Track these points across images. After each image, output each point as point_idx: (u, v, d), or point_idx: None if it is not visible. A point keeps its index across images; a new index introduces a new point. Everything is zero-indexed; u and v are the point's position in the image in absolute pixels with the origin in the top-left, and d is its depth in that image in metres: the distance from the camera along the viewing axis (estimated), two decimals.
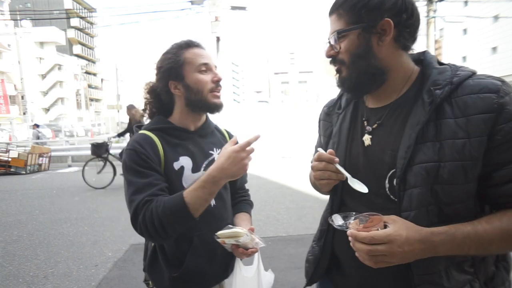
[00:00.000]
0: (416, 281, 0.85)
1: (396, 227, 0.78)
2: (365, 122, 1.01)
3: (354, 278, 1.01)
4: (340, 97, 1.14)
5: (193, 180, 1.21)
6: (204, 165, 1.29)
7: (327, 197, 1.13)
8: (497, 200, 0.84)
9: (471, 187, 0.82)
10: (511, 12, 24.57)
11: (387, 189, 0.91)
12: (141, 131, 1.28)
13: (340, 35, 0.92)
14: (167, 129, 1.29)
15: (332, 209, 1.07)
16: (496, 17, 27.54)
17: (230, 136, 1.48)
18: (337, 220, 0.90)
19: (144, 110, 1.37)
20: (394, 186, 0.88)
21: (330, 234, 1.08)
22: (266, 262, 1.27)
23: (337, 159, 0.97)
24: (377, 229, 0.78)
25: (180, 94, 1.28)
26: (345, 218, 0.90)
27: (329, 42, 0.96)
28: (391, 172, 0.90)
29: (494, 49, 29.75)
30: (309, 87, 78.40)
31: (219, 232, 1.16)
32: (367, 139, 0.98)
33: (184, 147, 1.28)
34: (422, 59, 0.97)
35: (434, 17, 14.14)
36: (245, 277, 1.22)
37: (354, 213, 0.89)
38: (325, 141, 1.15)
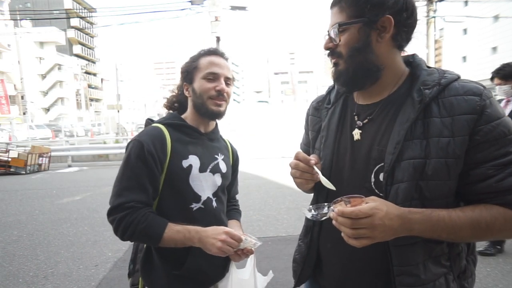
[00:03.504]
0: (396, 272, 0.89)
1: (378, 202, 0.82)
2: (355, 117, 1.03)
3: (339, 278, 1.03)
4: (329, 92, 1.16)
5: (199, 180, 1.28)
6: (210, 167, 1.34)
7: None
8: (473, 197, 0.88)
9: (452, 185, 0.87)
10: (511, 12, 24.58)
11: (372, 183, 0.93)
12: (154, 124, 1.33)
13: (341, 28, 0.93)
14: (180, 126, 1.34)
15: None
16: (496, 17, 27.55)
17: (232, 147, 1.54)
18: (308, 213, 0.92)
19: (167, 99, 1.46)
20: (380, 181, 0.91)
21: (316, 229, 1.09)
22: (266, 262, 1.27)
23: (312, 161, 0.99)
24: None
25: (189, 96, 1.37)
26: (317, 209, 0.92)
27: (329, 35, 0.97)
28: (377, 167, 0.93)
29: (494, 49, 29.73)
30: (309, 87, 78.38)
31: None
32: (356, 133, 1.00)
33: (194, 146, 1.33)
34: (411, 61, 1.00)
35: (434, 17, 14.14)
36: (240, 279, 1.23)
37: (326, 204, 0.91)
38: (313, 136, 1.16)
